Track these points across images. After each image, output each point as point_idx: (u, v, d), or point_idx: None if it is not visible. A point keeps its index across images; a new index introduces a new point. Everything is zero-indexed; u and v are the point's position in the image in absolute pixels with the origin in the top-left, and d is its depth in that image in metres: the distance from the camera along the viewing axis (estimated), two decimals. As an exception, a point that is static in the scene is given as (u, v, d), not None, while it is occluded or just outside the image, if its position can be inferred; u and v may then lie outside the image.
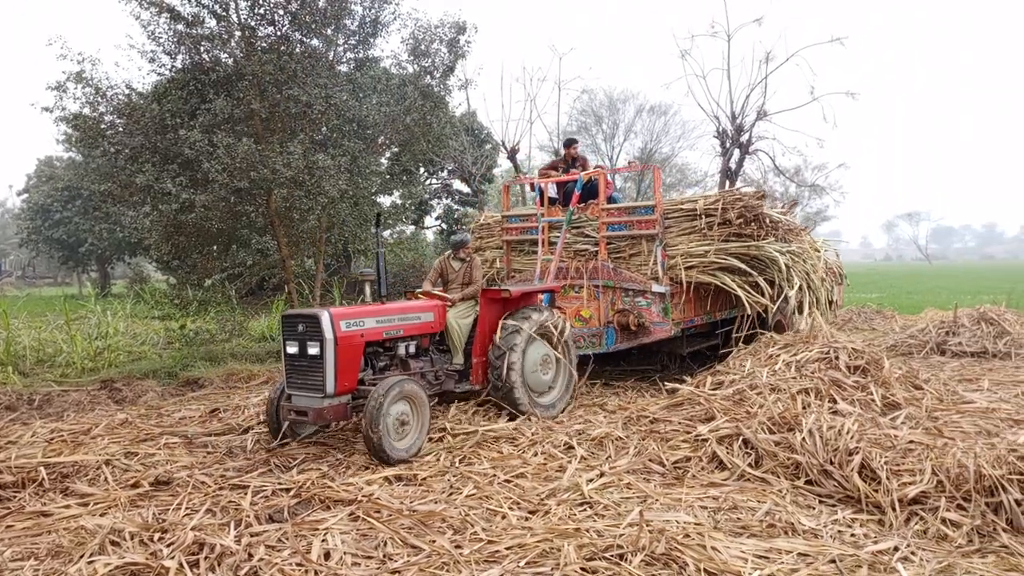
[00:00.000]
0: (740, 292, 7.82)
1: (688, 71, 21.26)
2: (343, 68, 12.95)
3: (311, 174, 10.54)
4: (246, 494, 4.54)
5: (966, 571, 3.55)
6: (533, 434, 6.02)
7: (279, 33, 11.14)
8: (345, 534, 3.94)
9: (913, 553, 3.75)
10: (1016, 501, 4.03)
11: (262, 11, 10.95)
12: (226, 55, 10.97)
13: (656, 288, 7.92)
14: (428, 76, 13.00)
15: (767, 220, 8.10)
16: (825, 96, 17.31)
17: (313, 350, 5.57)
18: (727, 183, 18.48)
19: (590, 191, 8.67)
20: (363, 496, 4.52)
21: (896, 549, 3.78)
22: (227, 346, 11.25)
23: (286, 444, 5.81)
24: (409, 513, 4.22)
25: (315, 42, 11.83)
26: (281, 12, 11.04)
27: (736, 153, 18.25)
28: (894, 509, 4.23)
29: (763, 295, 7.85)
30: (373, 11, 12.54)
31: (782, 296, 7.81)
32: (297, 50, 11.15)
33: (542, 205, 8.96)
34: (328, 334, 5.50)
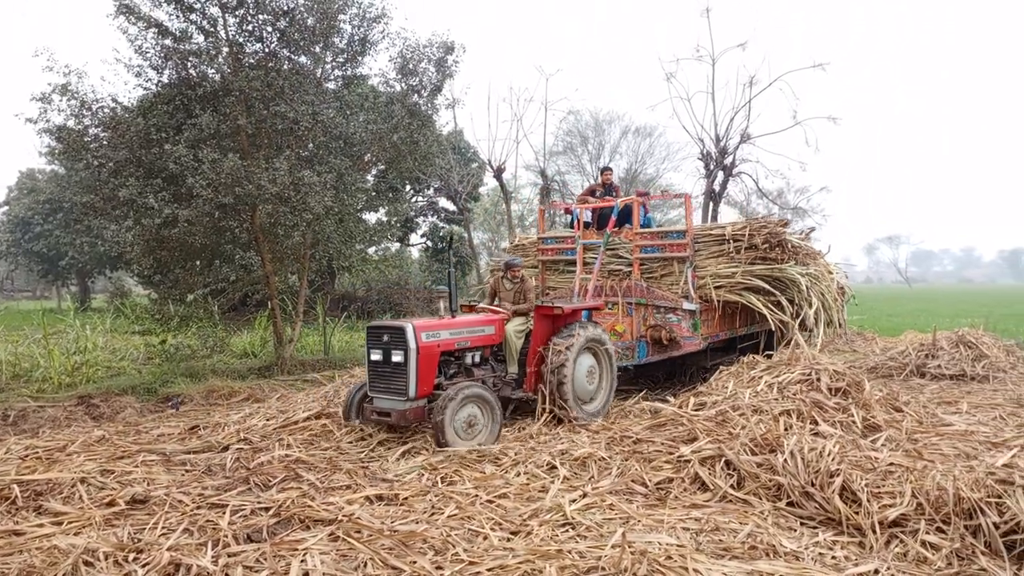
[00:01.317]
0: (764, 310, 8.62)
1: (673, 94, 21.44)
2: (331, 85, 12.96)
3: (296, 190, 10.52)
4: (224, 513, 4.49)
5: (945, 594, 3.57)
6: (516, 454, 6.00)
7: (267, 50, 11.16)
8: (325, 555, 3.89)
9: (893, 576, 3.77)
10: (994, 524, 4.06)
11: (250, 28, 10.97)
12: (213, 71, 10.95)
13: (687, 305, 8.69)
14: (416, 95, 13.03)
15: (789, 245, 8.87)
16: (807, 120, 17.55)
17: (397, 358, 6.33)
18: (711, 205, 18.65)
19: (625, 216, 9.55)
20: (344, 516, 4.47)
21: (876, 572, 3.80)
22: (208, 362, 11.15)
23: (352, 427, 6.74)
24: (390, 533, 4.18)
25: (303, 59, 11.85)
26: (270, 29, 11.06)
27: (720, 175, 18.42)
28: (874, 531, 4.25)
29: (784, 313, 8.60)
30: (362, 30, 12.58)
31: (801, 314, 8.57)
32: (285, 67, 11.16)
33: (579, 228, 9.88)
34: (412, 344, 6.26)
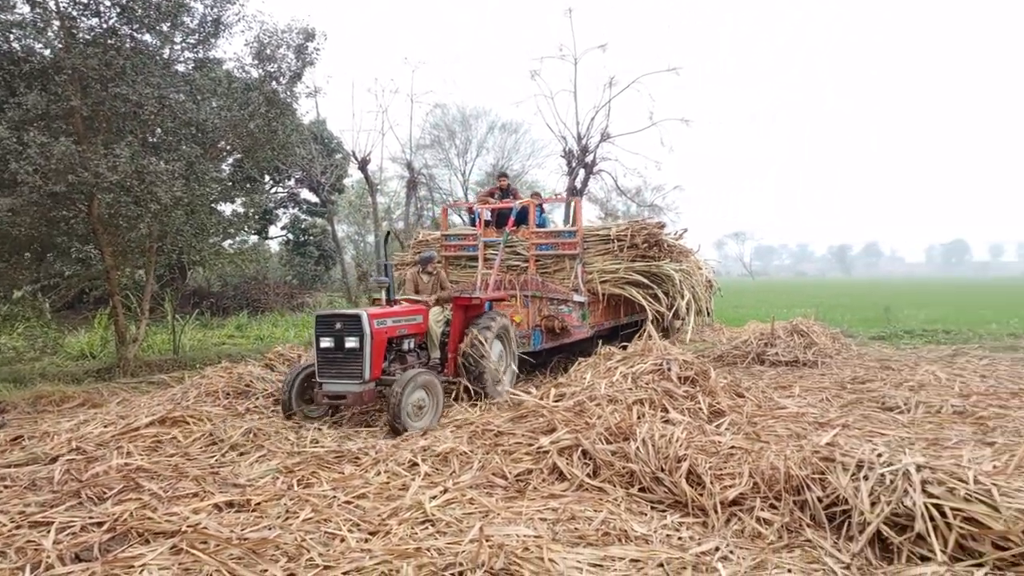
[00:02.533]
0: (644, 302, 9.73)
1: (537, 91, 21.96)
2: (180, 68, 12.16)
3: (141, 179, 9.77)
4: (49, 532, 4.09)
5: (776, 566, 3.85)
6: (377, 452, 5.90)
7: (105, 26, 10.28)
8: (165, 569, 3.65)
9: (732, 552, 4.03)
10: (818, 498, 4.44)
11: (85, 0, 10.06)
12: (41, 45, 9.96)
13: (577, 298, 9.69)
14: (274, 82, 12.48)
15: (665, 244, 10.04)
16: (663, 121, 18.47)
17: (351, 344, 6.85)
18: (572, 202, 19.20)
19: (522, 217, 10.52)
20: (188, 527, 4.20)
21: (717, 549, 4.04)
22: (37, 365, 10.16)
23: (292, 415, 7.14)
24: (239, 542, 3.98)
25: (148, 38, 11.02)
26: (108, 3, 10.19)
27: (581, 173, 18.99)
28: (716, 511, 4.53)
29: (661, 304, 9.75)
30: (215, 10, 11.86)
31: (675, 305, 9.71)
32: (127, 45, 10.33)
33: (480, 227, 10.69)
34: (367, 330, 6.82)
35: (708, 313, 10.79)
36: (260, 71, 12.40)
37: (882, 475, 4.26)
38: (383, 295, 8.03)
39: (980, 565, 3.61)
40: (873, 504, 4.13)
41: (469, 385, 7.90)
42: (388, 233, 10.19)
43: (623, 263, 9.88)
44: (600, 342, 9.60)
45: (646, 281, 9.81)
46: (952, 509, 3.85)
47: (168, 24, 11.08)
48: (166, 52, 11.34)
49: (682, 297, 9.67)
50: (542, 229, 10.57)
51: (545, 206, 12.04)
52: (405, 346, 7.70)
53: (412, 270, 9.10)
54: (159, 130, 11.12)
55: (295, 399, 7.26)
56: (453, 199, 28.22)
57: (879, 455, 4.48)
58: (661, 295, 9.76)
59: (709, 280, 11.50)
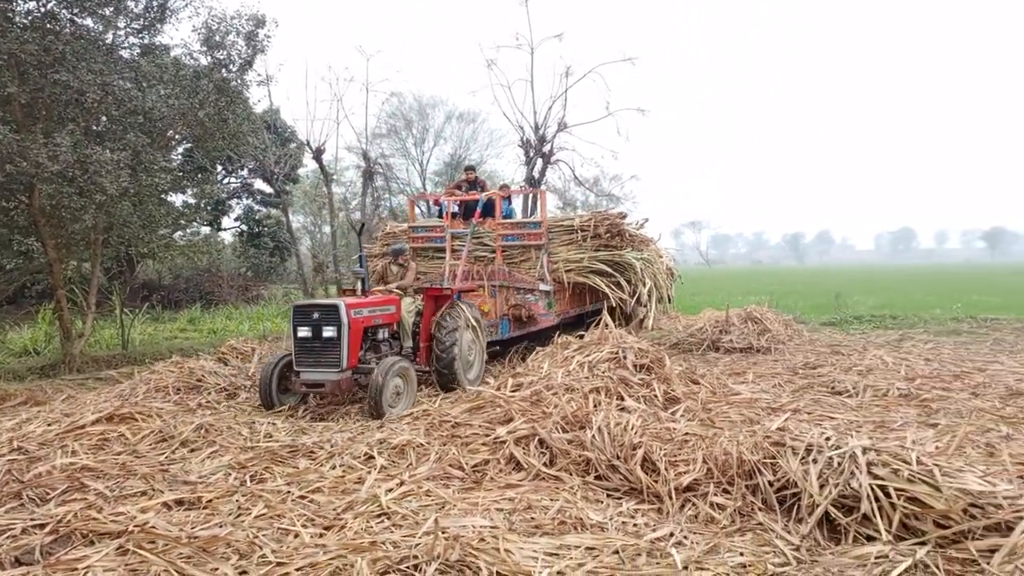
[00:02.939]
0: (607, 289, 10.08)
1: (494, 80, 21.80)
2: (125, 54, 11.77)
3: (84, 169, 9.44)
4: (-12, 535, 3.95)
5: (728, 549, 3.91)
6: (333, 446, 5.82)
7: (43, 9, 9.88)
8: (110, 571, 3.54)
9: (686, 537, 4.08)
10: (769, 482, 4.52)
11: (21, -18, 9.66)
12: (-27, 29, 9.53)
13: (543, 287, 10.01)
14: (224, 69, 12.17)
15: (627, 234, 10.42)
16: (619, 111, 18.54)
17: (329, 333, 7.04)
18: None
19: (488, 208, 10.76)
20: (135, 526, 4.09)
21: (671, 535, 4.09)
22: (-24, 363, 9.79)
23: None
24: (188, 541, 3.89)
25: (89, 22, 10.63)
26: (46, -14, 9.80)
27: (539, 163, 18.98)
28: (671, 497, 4.58)
29: (623, 291, 10.07)
30: (160, -7, 11.53)
31: (637, 292, 10.02)
32: (67, 30, 9.95)
33: (447, 219, 10.93)
34: (345, 319, 7.03)
35: (669, 300, 11.16)
36: (209, 58, 12.09)
37: (830, 458, 4.36)
38: (358, 286, 8.18)
39: (923, 543, 3.72)
40: (822, 487, 4.22)
41: (442, 372, 8.08)
42: (363, 225, 10.39)
43: (587, 252, 10.24)
44: (558, 332, 9.69)
45: (609, 270, 10.14)
46: (896, 490, 3.96)
47: (111, 8, 10.71)
48: (109, 37, 10.96)
49: (644, 284, 9.98)
50: (508, 220, 10.84)
51: (512, 198, 12.24)
52: (379, 335, 7.89)
53: (383, 261, 9.38)
54: (104, 118, 10.75)
55: (275, 396, 7.35)
56: (415, 191, 27.99)
57: (827, 439, 4.59)
58: (624, 283, 10.09)
59: (670, 268, 11.84)
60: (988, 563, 3.45)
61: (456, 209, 11.35)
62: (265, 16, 12.19)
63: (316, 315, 7.15)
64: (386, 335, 8.02)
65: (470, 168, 12.20)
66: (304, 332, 7.17)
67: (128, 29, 11.61)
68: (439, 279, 9.92)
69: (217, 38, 11.77)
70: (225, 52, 11.93)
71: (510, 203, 11.60)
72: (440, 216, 11.66)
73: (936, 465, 4.08)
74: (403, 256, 9.02)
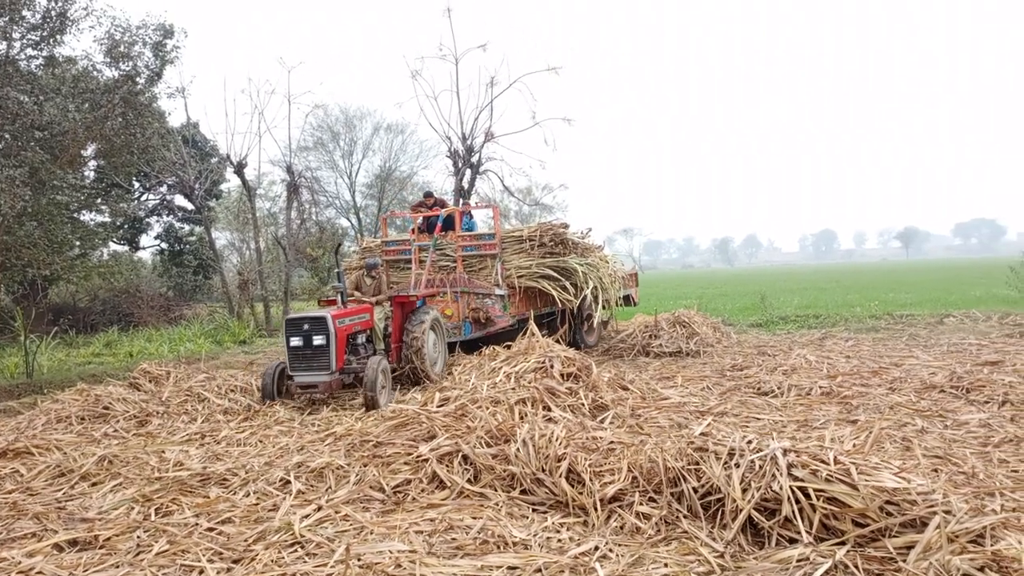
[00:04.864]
0: (554, 292, 11.05)
1: (420, 92, 21.60)
2: (23, 66, 11.13)
3: (-25, 187, 8.85)
4: None
5: (653, 560, 3.83)
6: (248, 472, 5.53)
7: (-72, 18, 9.26)
8: (-18, 628, 3.21)
9: (611, 550, 3.97)
10: (694, 489, 4.47)
11: (-99, -11, 9.01)
12: None
13: (498, 291, 10.92)
14: (131, 81, 11.64)
15: (570, 242, 11.46)
16: (545, 121, 18.58)
17: (319, 341, 8.04)
18: (460, 201, 19.05)
19: (449, 223, 11.84)
20: (19, 573, 3.75)
21: (596, 549, 3.98)
22: None
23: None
24: (76, 587, 3.57)
25: (-19, 33, 10.01)
26: (-71, -8, 9.18)
27: (468, 173, 18.86)
28: (596, 509, 4.47)
29: (569, 295, 11.04)
30: (59, 4, 10.94)
31: (582, 295, 10.96)
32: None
33: (414, 234, 12.10)
34: (331, 329, 8.03)
35: (633, 302, 12.27)
36: (114, 70, 11.55)
37: (752, 461, 4.33)
38: (338, 298, 8.92)
39: (843, 543, 3.71)
40: (744, 491, 4.19)
41: (411, 367, 9.08)
42: (339, 244, 11.58)
43: (535, 260, 11.26)
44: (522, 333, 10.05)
45: (555, 274, 11.12)
46: (815, 491, 3.95)
47: (4, 19, 10.12)
48: (3, 48, 10.33)
49: (587, 287, 10.90)
50: (468, 232, 11.96)
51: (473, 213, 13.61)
52: (358, 340, 8.89)
53: (357, 273, 10.55)
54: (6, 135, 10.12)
55: (275, 392, 8.32)
56: (344, 203, 27.37)
57: (749, 442, 4.56)
58: (569, 286, 11.06)
59: (621, 272, 12.98)
60: (904, 560, 3.46)
61: (421, 224, 12.48)
62: (173, 26, 11.78)
63: (306, 326, 8.10)
64: (363, 339, 9.00)
65: (428, 194, 13.00)
66: (296, 341, 8.11)
67: (25, 41, 10.99)
68: (407, 287, 10.96)
69: (122, 49, 11.28)
70: (131, 63, 11.43)
71: (471, 217, 12.90)
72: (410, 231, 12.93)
73: (853, 463, 4.09)
74: (375, 270, 10.06)
